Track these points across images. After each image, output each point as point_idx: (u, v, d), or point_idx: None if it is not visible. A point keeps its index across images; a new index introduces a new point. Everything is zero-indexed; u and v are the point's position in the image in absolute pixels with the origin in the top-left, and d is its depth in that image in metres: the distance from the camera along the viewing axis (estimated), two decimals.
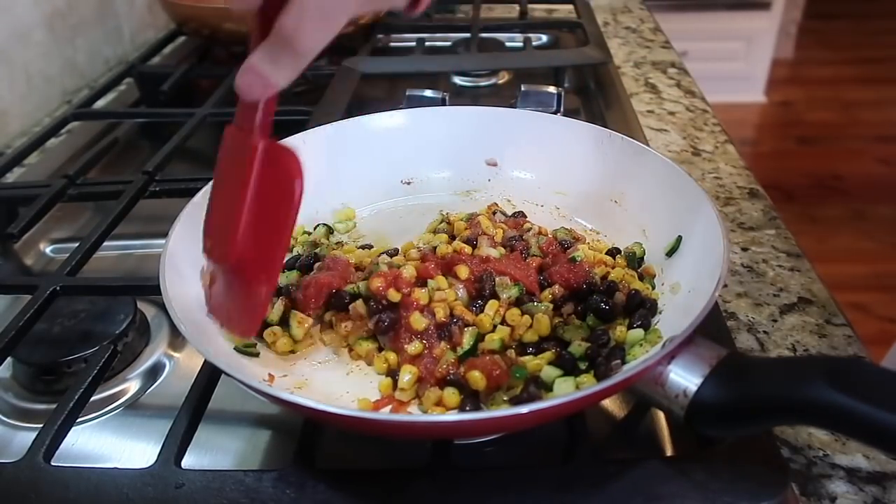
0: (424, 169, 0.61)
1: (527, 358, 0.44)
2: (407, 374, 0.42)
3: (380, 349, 0.45)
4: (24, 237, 0.59)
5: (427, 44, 0.98)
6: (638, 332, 0.44)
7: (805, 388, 0.32)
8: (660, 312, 0.46)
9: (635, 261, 0.50)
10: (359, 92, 0.79)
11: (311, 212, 0.57)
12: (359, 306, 0.46)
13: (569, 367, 0.42)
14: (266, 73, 0.36)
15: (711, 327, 0.43)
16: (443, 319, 0.44)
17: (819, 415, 0.32)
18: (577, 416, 0.39)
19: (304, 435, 0.39)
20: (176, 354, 0.51)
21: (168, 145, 0.69)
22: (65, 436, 0.40)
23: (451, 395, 0.41)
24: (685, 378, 0.36)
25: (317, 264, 0.50)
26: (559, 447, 0.41)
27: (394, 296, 0.45)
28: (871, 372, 0.33)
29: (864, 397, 0.30)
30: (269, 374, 0.44)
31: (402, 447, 0.42)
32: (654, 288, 0.49)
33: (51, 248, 0.66)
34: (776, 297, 0.55)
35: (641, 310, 0.46)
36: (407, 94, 0.76)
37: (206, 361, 0.43)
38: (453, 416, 0.39)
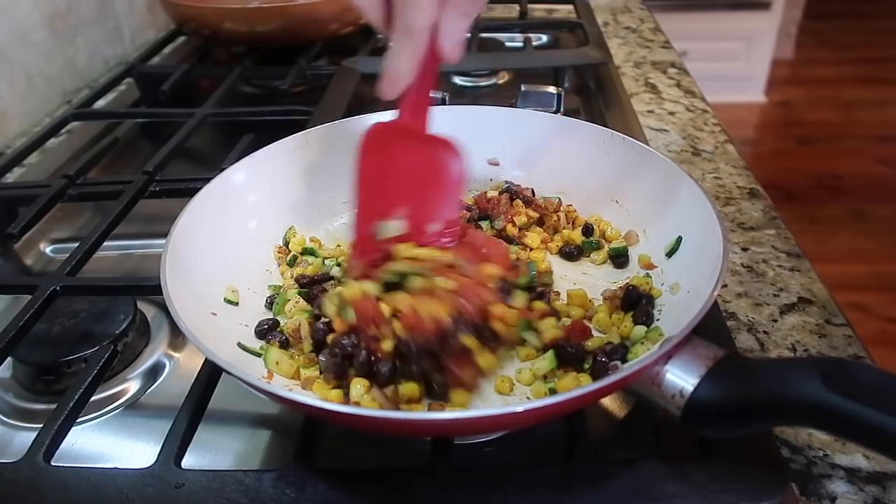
0: None
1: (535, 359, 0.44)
2: (357, 387, 0.41)
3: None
4: (24, 237, 0.59)
5: None
6: (640, 330, 0.44)
7: (799, 389, 0.32)
8: (659, 311, 0.46)
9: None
10: (359, 92, 0.79)
11: (314, 211, 0.57)
12: (303, 330, 0.45)
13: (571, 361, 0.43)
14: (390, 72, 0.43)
15: (711, 327, 0.43)
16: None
17: (813, 415, 0.32)
18: (577, 416, 0.39)
19: (303, 434, 0.39)
20: (176, 354, 0.51)
21: (168, 145, 0.69)
22: (65, 436, 0.40)
23: (410, 387, 0.40)
24: (681, 378, 0.36)
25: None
26: (559, 447, 0.41)
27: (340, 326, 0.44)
28: (865, 372, 0.33)
29: (857, 397, 0.30)
30: (269, 372, 0.44)
31: (402, 447, 0.42)
32: (651, 279, 0.49)
33: (51, 248, 0.66)
34: (776, 297, 0.55)
35: (641, 304, 0.46)
36: None
37: (206, 361, 0.43)
38: (451, 414, 0.39)
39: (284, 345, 0.46)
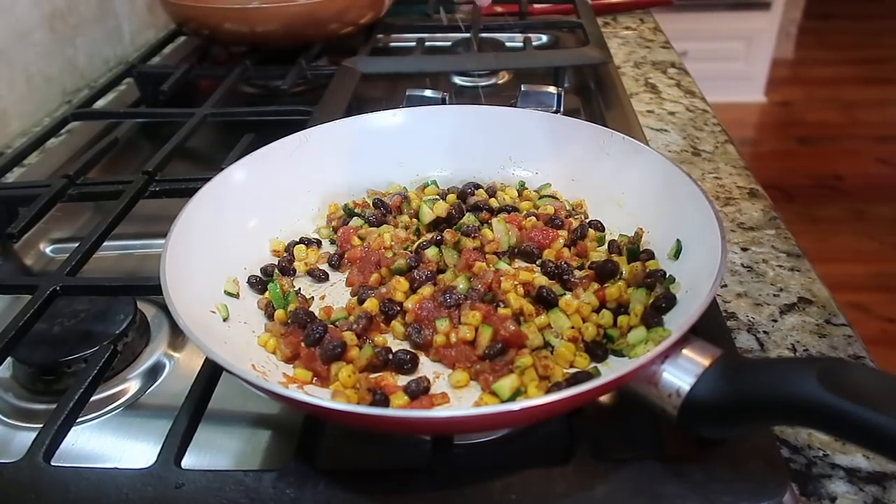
0: (426, 168, 0.61)
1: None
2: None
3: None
4: (24, 237, 0.59)
5: (427, 44, 0.98)
6: (642, 331, 0.44)
7: (795, 388, 0.32)
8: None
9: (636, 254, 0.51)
10: (359, 92, 0.79)
11: (313, 211, 0.58)
12: (278, 316, 0.47)
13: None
14: None
15: (711, 327, 0.43)
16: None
17: (810, 415, 0.31)
18: (577, 416, 0.39)
19: (303, 434, 0.39)
20: (176, 354, 0.51)
21: (168, 145, 0.69)
22: (65, 436, 0.40)
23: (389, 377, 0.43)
24: (678, 377, 0.36)
25: None
26: (559, 446, 0.41)
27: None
28: (862, 372, 0.33)
29: (854, 398, 0.30)
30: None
31: (402, 447, 0.42)
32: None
33: (51, 248, 0.66)
34: (776, 297, 0.55)
35: (655, 281, 0.47)
36: (407, 94, 0.76)
37: (206, 361, 0.43)
38: (450, 412, 0.39)
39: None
